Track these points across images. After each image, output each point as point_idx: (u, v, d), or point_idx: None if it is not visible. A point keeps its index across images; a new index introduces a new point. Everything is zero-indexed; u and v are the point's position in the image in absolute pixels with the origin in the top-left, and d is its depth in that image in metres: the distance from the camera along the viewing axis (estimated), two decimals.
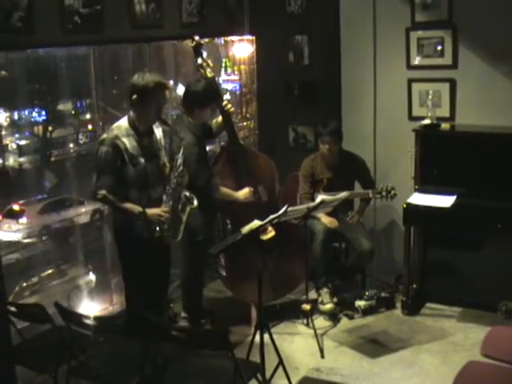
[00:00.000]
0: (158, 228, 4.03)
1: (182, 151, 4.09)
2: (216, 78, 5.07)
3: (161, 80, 4.02)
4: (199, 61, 4.82)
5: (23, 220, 8.75)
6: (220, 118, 4.92)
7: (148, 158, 4.05)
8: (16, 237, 8.31)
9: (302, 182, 5.40)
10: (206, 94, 4.64)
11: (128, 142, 3.96)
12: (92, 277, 5.62)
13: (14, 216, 8.85)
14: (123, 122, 4.05)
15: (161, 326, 3.59)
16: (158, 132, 4.20)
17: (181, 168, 4.06)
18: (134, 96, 3.95)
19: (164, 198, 4.08)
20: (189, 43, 4.91)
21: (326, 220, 5.16)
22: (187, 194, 4.15)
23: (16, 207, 8.84)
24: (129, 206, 3.99)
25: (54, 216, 9.11)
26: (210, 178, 4.68)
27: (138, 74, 4.03)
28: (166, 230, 4.07)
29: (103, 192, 3.94)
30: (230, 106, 4.89)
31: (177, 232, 4.15)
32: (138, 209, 3.97)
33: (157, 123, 4.17)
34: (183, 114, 4.74)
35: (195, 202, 4.16)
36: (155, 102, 3.97)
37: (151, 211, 3.99)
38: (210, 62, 4.89)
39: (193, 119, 4.67)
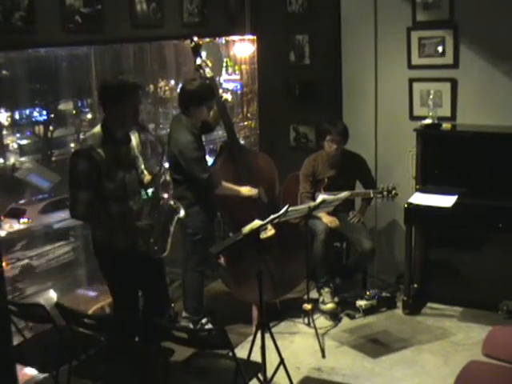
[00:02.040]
0: (144, 242, 3.83)
1: (164, 158, 3.95)
2: (216, 78, 5.10)
3: (133, 80, 3.80)
4: (198, 61, 4.88)
5: (24, 219, 8.72)
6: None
7: (126, 167, 3.81)
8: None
9: (302, 181, 5.40)
10: (200, 93, 4.66)
11: (104, 153, 3.67)
12: (53, 294, 5.38)
13: (15, 215, 8.81)
14: (97, 130, 3.77)
15: (162, 325, 3.60)
16: (134, 139, 3.96)
17: (164, 178, 3.97)
18: (110, 102, 3.71)
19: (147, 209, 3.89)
20: (189, 43, 4.94)
21: (326, 219, 5.15)
22: (172, 203, 4.01)
23: (17, 206, 8.81)
24: (109, 222, 3.77)
25: (55, 216, 9.07)
26: (210, 174, 4.68)
27: (109, 78, 3.91)
28: (153, 243, 3.85)
29: (82, 210, 3.66)
30: (225, 96, 4.93)
31: (164, 245, 3.92)
32: (118, 225, 3.75)
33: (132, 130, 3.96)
34: (180, 114, 4.76)
35: (182, 212, 4.00)
36: (130, 105, 3.71)
37: (133, 226, 3.78)
38: (209, 62, 4.94)
39: (190, 118, 4.68)
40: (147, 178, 4.05)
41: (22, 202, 6.62)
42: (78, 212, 3.69)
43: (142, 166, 4.06)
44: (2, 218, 6.20)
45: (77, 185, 3.65)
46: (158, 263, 4.08)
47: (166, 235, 3.93)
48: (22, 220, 7.23)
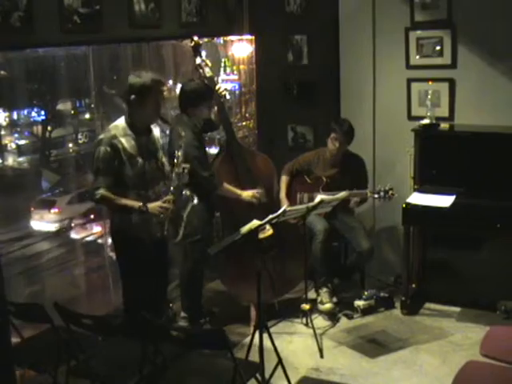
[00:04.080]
0: (158, 226, 3.99)
1: (182, 148, 4.06)
2: (215, 78, 5.10)
3: (158, 77, 4.03)
4: (198, 61, 4.89)
5: (55, 210, 8.85)
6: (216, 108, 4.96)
7: (146, 157, 4.04)
8: (48, 227, 8.33)
9: (294, 164, 5.46)
10: (197, 93, 4.69)
11: (126, 142, 3.95)
12: None
13: (46, 206, 8.92)
14: (120, 122, 4.04)
15: (160, 325, 3.59)
16: (156, 131, 4.21)
17: (182, 166, 4.01)
18: (133, 96, 3.95)
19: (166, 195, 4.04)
20: (188, 43, 4.96)
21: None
22: (188, 192, 4.13)
23: (46, 198, 8.93)
24: (128, 202, 3.96)
25: (82, 206, 9.22)
26: (212, 173, 4.69)
27: (134, 73, 4.04)
28: (167, 229, 4.03)
29: (101, 192, 3.89)
30: (222, 89, 4.92)
31: (177, 230, 4.12)
32: (137, 204, 3.94)
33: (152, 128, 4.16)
34: (181, 113, 4.78)
35: (196, 200, 4.15)
36: (154, 100, 3.98)
37: (152, 204, 3.96)
38: (208, 61, 4.93)
39: (190, 118, 4.70)
40: (167, 168, 4.19)
41: (47, 195, 6.72)
42: (99, 196, 3.91)
43: (164, 159, 4.22)
44: (33, 209, 6.34)
45: (98, 169, 3.90)
46: (167, 259, 4.34)
47: (179, 221, 4.15)
48: (52, 210, 7.35)
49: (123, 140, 3.95)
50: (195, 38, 4.88)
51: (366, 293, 5.27)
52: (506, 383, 3.28)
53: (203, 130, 4.88)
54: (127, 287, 4.24)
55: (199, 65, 4.87)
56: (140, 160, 4.00)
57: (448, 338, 4.79)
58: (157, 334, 3.50)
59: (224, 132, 5.06)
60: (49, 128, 6.59)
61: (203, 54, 4.93)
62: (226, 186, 4.76)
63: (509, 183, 4.88)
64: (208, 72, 4.85)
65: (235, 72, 6.26)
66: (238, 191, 4.83)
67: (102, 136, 3.99)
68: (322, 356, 4.60)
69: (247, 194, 4.86)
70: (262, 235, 4.73)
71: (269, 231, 4.84)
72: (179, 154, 4.03)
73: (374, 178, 5.59)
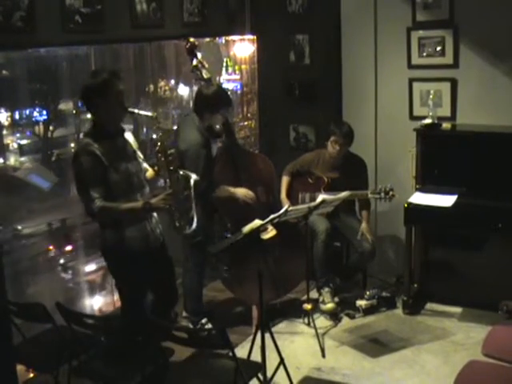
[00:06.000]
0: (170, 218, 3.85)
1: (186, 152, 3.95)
2: (217, 79, 5.07)
3: (110, 70, 3.80)
4: (194, 62, 4.76)
5: None
6: None
7: (126, 158, 3.82)
8: None
9: (295, 165, 5.47)
10: (217, 99, 4.59)
11: (102, 147, 3.68)
12: None
13: None
14: (90, 130, 3.81)
15: (162, 325, 3.60)
16: (129, 136, 3.97)
17: (169, 151, 3.83)
18: (95, 98, 3.68)
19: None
20: (184, 44, 4.82)
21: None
22: (181, 172, 3.97)
23: None
24: (130, 205, 3.73)
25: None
26: (212, 180, 4.64)
27: (87, 78, 3.82)
28: (178, 218, 3.87)
29: (99, 204, 3.61)
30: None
31: (190, 216, 3.93)
32: (139, 203, 3.72)
33: (125, 128, 3.96)
34: (193, 115, 4.68)
35: (194, 176, 3.98)
36: (116, 93, 3.69)
37: (155, 199, 3.74)
38: (205, 62, 4.81)
39: (202, 121, 4.61)
40: (150, 173, 4.02)
41: None
42: (96, 209, 3.62)
43: (145, 164, 4.03)
44: None
45: (86, 182, 3.63)
46: (168, 259, 4.11)
47: (189, 204, 3.93)
48: None
49: (99, 145, 3.66)
50: (191, 39, 4.76)
51: (367, 293, 5.27)
52: (508, 383, 3.28)
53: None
54: (125, 301, 4.00)
55: (196, 66, 4.75)
56: (122, 162, 3.76)
57: (450, 337, 4.78)
58: (158, 333, 3.51)
59: (224, 133, 5.01)
60: (51, 128, 6.58)
61: (199, 55, 4.77)
62: (222, 187, 4.72)
63: (510, 183, 4.87)
64: (206, 74, 4.75)
65: (237, 72, 6.26)
66: (232, 189, 4.80)
67: (76, 148, 3.76)
68: (323, 356, 4.60)
69: (240, 191, 4.83)
70: (265, 236, 4.72)
71: (272, 231, 4.83)
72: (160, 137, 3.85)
73: (375, 177, 5.59)
